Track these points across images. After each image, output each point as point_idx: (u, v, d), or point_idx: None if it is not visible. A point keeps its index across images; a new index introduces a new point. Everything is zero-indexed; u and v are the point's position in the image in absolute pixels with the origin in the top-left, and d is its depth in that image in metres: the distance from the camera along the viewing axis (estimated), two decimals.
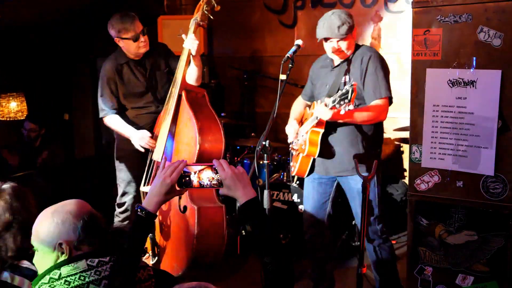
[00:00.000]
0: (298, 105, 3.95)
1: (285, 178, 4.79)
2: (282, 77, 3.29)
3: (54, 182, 5.22)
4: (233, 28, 6.11)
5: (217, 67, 6.19)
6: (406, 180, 5.19)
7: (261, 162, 3.26)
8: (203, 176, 2.05)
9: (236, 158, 5.30)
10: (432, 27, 2.89)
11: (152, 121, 4.13)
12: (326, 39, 3.49)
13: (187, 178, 2.05)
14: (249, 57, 6.07)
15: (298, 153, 3.69)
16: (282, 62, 3.30)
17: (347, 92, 3.06)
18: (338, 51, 3.50)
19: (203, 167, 2.06)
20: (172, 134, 3.84)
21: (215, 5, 3.80)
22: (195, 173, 2.05)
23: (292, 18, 5.76)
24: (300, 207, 4.55)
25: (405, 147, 5.36)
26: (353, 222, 4.64)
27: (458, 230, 2.97)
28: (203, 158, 3.58)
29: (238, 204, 2.06)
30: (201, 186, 2.05)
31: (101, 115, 4.16)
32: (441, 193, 3.00)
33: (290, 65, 3.31)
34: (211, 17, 3.85)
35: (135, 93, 4.12)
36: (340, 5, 5.53)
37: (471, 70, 2.82)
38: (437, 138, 2.96)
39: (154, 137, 3.98)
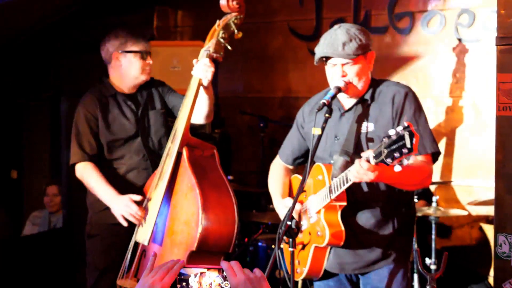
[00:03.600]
0: (278, 173, 3.86)
1: None
2: (316, 131, 3.29)
3: None
4: (245, 58, 6.20)
5: (222, 111, 6.25)
6: (491, 280, 5.12)
7: (282, 247, 3.25)
8: (206, 280, 2.08)
9: (246, 239, 5.29)
10: None
11: (140, 181, 4.15)
12: (327, 60, 3.43)
13: (185, 284, 2.06)
14: (266, 98, 6.14)
15: (305, 244, 3.56)
16: (316, 110, 3.32)
17: (402, 138, 2.91)
18: (346, 83, 3.38)
19: (206, 269, 2.09)
20: (165, 206, 3.84)
21: (235, 31, 3.88)
22: (195, 275, 2.08)
23: None
24: None
25: (486, 229, 5.32)
26: None
27: None
28: (207, 246, 3.56)
29: None
30: None
31: (72, 161, 4.17)
32: None
33: (327, 115, 3.31)
34: (229, 47, 3.91)
35: (120, 138, 4.17)
36: (394, 29, 5.63)
37: None
38: None
39: (144, 206, 3.96)
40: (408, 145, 2.88)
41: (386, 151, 2.96)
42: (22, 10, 5.43)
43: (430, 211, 4.81)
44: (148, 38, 5.73)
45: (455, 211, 4.95)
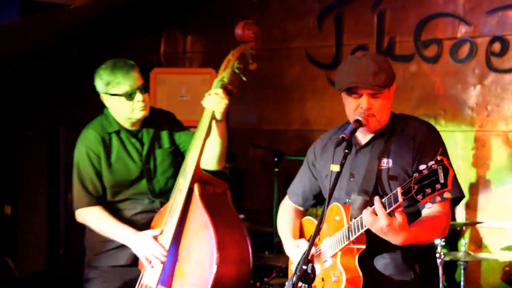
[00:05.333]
0: (288, 214, 3.80)
1: None
2: (335, 168, 3.27)
3: None
4: (259, 86, 6.19)
5: (233, 145, 6.23)
6: None
7: None
8: None
9: (258, 283, 5.25)
10: None
11: (144, 224, 4.12)
12: (352, 92, 3.33)
13: None
14: (281, 130, 6.13)
15: None
16: (334, 146, 3.30)
17: (435, 173, 2.82)
18: (368, 116, 3.40)
19: None
20: (175, 246, 3.83)
21: (251, 62, 3.87)
22: None
23: None
24: None
25: None
26: None
27: None
28: (221, 286, 3.57)
29: None
30: None
31: (77, 207, 4.11)
32: None
33: (346, 151, 3.29)
34: (244, 78, 3.91)
35: (124, 180, 4.14)
36: (420, 57, 5.62)
37: None
38: None
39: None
40: (442, 180, 2.80)
41: (416, 186, 2.90)
42: (18, 34, 5.46)
43: (459, 255, 4.76)
44: (147, 65, 5.76)
45: (485, 255, 4.91)
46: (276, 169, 5.92)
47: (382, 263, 3.41)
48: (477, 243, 5.32)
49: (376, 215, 3.02)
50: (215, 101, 3.80)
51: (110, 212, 4.09)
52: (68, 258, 5.62)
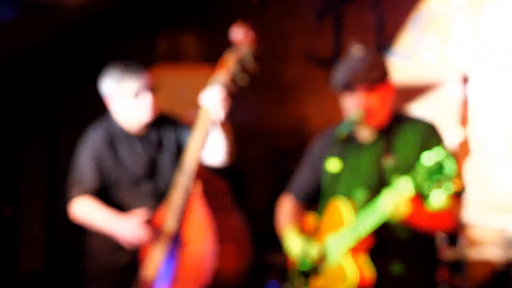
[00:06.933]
0: (290, 211, 3.83)
1: None
2: (332, 165, 3.29)
3: None
4: (258, 86, 6.19)
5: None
6: None
7: None
8: None
9: (257, 282, 5.25)
10: None
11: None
12: (347, 88, 3.39)
13: None
14: (280, 129, 6.13)
15: None
16: (331, 143, 3.32)
17: (440, 164, 2.91)
18: (365, 112, 3.39)
19: None
20: (175, 243, 3.85)
21: (249, 64, 3.85)
22: None
23: None
24: None
25: None
26: None
27: None
28: (221, 282, 3.61)
29: None
30: None
31: (71, 196, 4.14)
32: None
33: (343, 148, 3.31)
34: (243, 81, 3.91)
35: (129, 180, 4.14)
36: (419, 54, 5.61)
37: None
38: None
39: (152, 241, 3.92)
40: (448, 171, 2.87)
41: (422, 179, 2.96)
42: (17, 34, 5.47)
43: (461, 252, 4.82)
44: (150, 67, 5.76)
45: (485, 253, 4.92)
46: (275, 168, 5.93)
47: (386, 260, 3.43)
48: (478, 240, 5.31)
49: None
50: (213, 98, 3.80)
51: (115, 207, 4.10)
52: (68, 258, 5.61)
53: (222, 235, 3.67)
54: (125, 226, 3.93)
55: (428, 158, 2.93)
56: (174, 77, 5.89)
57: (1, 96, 6.22)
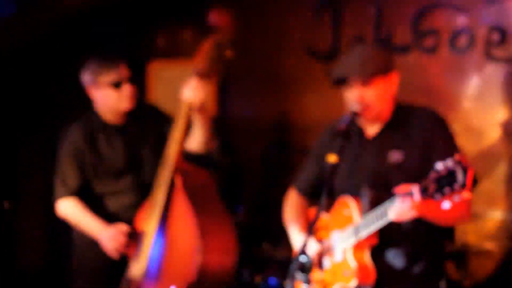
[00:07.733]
0: (295, 204, 3.82)
1: None
2: (332, 160, 3.27)
3: None
4: (256, 80, 6.18)
5: (232, 138, 6.22)
6: None
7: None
8: None
9: (256, 276, 5.24)
10: None
11: (129, 219, 4.12)
12: (344, 83, 3.39)
13: None
14: (279, 123, 6.12)
15: (327, 284, 3.47)
16: (335, 137, 3.31)
17: (453, 173, 2.82)
18: (362, 106, 3.35)
19: None
20: (160, 238, 3.84)
21: (227, 50, 3.84)
22: None
23: None
24: None
25: None
26: None
27: None
28: (207, 276, 3.60)
29: None
30: None
31: (56, 196, 4.18)
32: None
33: (342, 143, 3.28)
34: (223, 66, 3.91)
35: (108, 175, 4.15)
36: (418, 49, 5.59)
37: None
38: None
39: (134, 237, 3.96)
40: (461, 181, 2.80)
41: (434, 186, 2.90)
42: (11, 28, 5.45)
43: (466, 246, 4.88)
44: (142, 58, 5.74)
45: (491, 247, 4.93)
46: (276, 162, 5.92)
47: (390, 255, 3.42)
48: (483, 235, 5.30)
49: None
50: (190, 92, 3.79)
51: (95, 207, 4.13)
52: (67, 254, 5.60)
53: (206, 230, 3.66)
54: (107, 234, 3.98)
55: (439, 165, 2.89)
56: (172, 72, 5.87)
57: (1, 96, 6.22)
